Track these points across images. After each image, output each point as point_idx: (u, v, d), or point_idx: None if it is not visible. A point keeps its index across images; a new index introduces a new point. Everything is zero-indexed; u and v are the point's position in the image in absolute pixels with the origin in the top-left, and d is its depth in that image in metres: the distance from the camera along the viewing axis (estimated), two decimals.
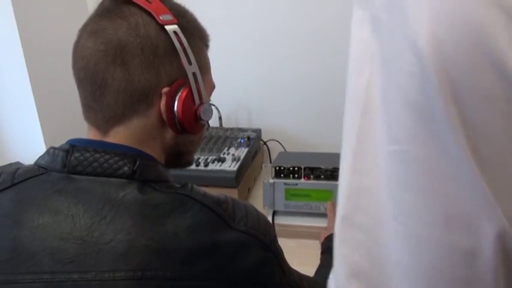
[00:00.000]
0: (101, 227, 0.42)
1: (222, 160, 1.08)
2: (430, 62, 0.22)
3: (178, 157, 0.57)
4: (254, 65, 1.37)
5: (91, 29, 0.47)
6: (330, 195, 0.95)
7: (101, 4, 0.50)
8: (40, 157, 0.48)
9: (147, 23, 0.48)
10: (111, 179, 0.45)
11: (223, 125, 1.37)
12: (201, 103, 0.53)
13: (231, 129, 1.32)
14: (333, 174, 0.95)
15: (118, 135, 0.49)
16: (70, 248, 0.41)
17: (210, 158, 1.09)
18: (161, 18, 0.48)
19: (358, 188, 0.28)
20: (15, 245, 0.41)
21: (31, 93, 1.20)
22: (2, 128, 1.31)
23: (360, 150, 0.28)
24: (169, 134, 0.53)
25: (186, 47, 0.50)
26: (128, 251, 0.41)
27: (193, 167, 1.05)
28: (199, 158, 1.09)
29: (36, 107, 1.22)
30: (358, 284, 0.28)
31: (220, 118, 1.36)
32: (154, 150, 0.51)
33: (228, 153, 1.13)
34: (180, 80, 0.51)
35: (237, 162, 1.07)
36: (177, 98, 0.50)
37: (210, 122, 1.38)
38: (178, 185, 0.48)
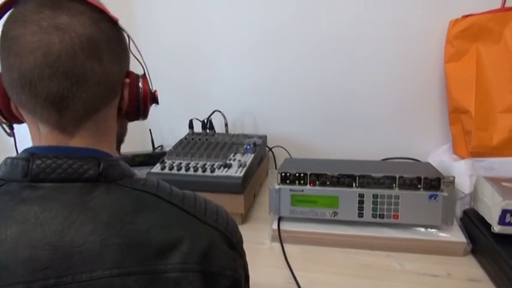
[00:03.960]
0: (71, 231, 0.42)
1: (228, 166, 1.08)
2: None
3: (119, 143, 0.60)
4: (259, 72, 1.38)
5: (50, 24, 0.44)
6: (336, 202, 0.95)
7: None
8: None
9: (102, 19, 0.49)
10: (77, 184, 0.45)
11: (229, 132, 1.38)
12: (155, 89, 0.59)
13: (237, 135, 1.33)
14: (338, 180, 0.95)
15: (85, 134, 0.49)
16: (42, 255, 0.40)
17: (216, 164, 1.10)
18: (110, 15, 0.50)
19: None
20: None
21: None
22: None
23: None
24: (120, 122, 0.56)
25: (133, 41, 0.55)
26: (102, 251, 0.41)
27: (199, 172, 1.06)
28: (205, 164, 1.10)
29: None
30: None
31: (226, 124, 1.37)
32: (111, 142, 0.54)
33: (234, 159, 1.13)
34: (130, 71, 0.55)
35: (243, 168, 1.07)
36: (141, 86, 0.55)
37: (216, 128, 1.39)
38: (143, 181, 0.49)
